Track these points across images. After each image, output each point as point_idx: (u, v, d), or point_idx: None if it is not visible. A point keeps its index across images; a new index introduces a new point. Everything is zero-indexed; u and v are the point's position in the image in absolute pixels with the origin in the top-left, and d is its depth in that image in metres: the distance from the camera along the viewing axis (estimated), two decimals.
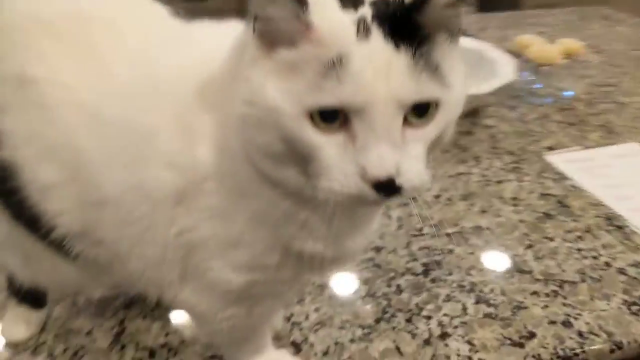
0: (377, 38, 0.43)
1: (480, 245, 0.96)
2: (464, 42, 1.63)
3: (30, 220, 0.58)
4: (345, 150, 0.44)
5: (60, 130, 0.54)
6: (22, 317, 0.79)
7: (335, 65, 0.42)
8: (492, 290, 0.86)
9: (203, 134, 0.52)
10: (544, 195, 1.10)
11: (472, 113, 1.40)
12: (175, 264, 0.57)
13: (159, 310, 0.82)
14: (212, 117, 0.52)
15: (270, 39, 0.44)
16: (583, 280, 0.88)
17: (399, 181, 0.44)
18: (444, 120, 0.47)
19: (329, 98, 0.43)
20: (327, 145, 0.44)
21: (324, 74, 0.42)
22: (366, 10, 0.44)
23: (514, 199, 1.09)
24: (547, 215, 1.04)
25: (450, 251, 0.95)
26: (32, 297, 0.79)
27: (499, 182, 1.15)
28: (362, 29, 0.43)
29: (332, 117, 0.44)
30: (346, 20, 0.44)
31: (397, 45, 0.43)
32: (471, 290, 0.86)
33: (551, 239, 0.98)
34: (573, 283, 0.88)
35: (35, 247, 0.62)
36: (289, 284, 0.61)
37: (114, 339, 0.78)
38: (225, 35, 0.52)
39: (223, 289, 0.58)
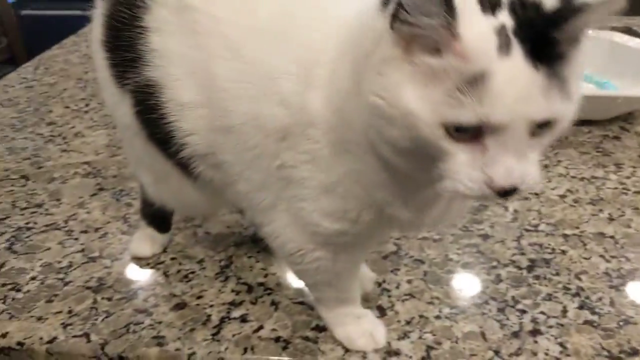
0: (518, 55, 0.44)
1: (598, 252, 0.90)
2: (631, 40, 1.48)
3: (163, 138, 0.66)
4: (474, 159, 0.46)
5: (203, 57, 0.60)
6: (149, 237, 0.90)
7: (477, 81, 0.43)
8: (600, 299, 0.81)
9: (319, 85, 0.55)
10: None
11: (625, 117, 1.30)
12: (274, 193, 0.62)
13: (264, 253, 0.89)
14: (332, 78, 0.54)
15: (411, 41, 0.45)
16: None
17: (519, 185, 0.47)
18: (561, 129, 0.49)
19: (468, 116, 0.44)
20: (458, 153, 0.46)
21: (463, 88, 0.44)
22: (505, 18, 0.45)
23: None
24: None
25: (564, 252, 0.90)
26: (159, 221, 0.90)
27: (639, 192, 1.06)
28: (504, 44, 0.44)
29: (465, 129, 0.45)
30: (488, 30, 0.44)
31: (535, 65, 0.44)
32: (576, 295, 0.82)
33: None
34: None
35: (165, 166, 0.71)
36: (373, 237, 0.65)
37: (220, 271, 0.86)
38: None
39: (311, 230, 0.62)
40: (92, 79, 1.51)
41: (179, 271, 0.86)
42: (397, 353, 0.73)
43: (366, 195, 0.57)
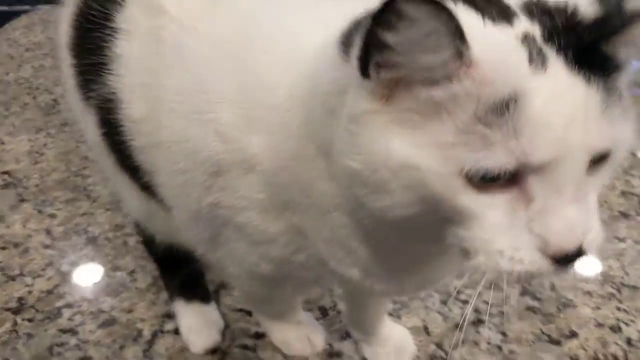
0: (558, 68, 0.33)
1: None
2: None
3: (131, 166, 0.57)
4: (514, 216, 0.34)
5: (159, 65, 0.52)
6: (201, 316, 0.74)
7: (507, 108, 0.32)
8: (541, 284, 0.81)
9: (263, 130, 0.45)
10: (625, 194, 1.00)
11: None
12: (208, 228, 0.54)
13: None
14: (281, 131, 0.45)
15: (397, 84, 0.34)
16: None
17: (584, 246, 0.34)
18: (620, 159, 0.37)
19: (500, 157, 0.32)
20: (489, 211, 0.34)
21: (487, 120, 0.32)
22: (527, 25, 0.34)
23: None
24: (624, 215, 0.95)
25: None
26: (195, 285, 0.77)
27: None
28: (537, 55, 0.33)
29: (496, 175, 0.33)
30: (512, 41, 0.33)
31: (587, 77, 0.33)
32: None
33: (622, 240, 0.90)
34: (634, 288, 0.81)
35: (140, 194, 0.61)
36: (315, 282, 0.60)
37: (153, 281, 0.81)
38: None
39: (248, 267, 0.55)
40: (13, 81, 1.41)
41: (108, 284, 0.81)
42: (338, 354, 0.71)
43: (310, 248, 0.48)
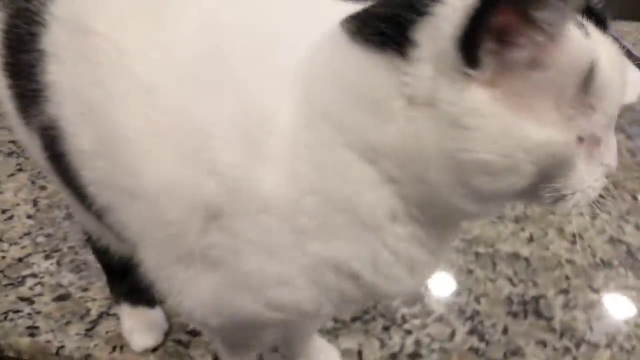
0: (595, 32, 0.40)
1: (506, 275, 0.88)
2: None
3: (79, 193, 0.53)
4: (592, 156, 0.42)
5: (104, 95, 0.47)
6: (145, 320, 0.74)
7: (590, 74, 0.37)
8: (493, 326, 0.79)
9: (273, 158, 0.42)
10: (613, 241, 0.96)
11: None
12: (192, 269, 0.48)
13: None
14: (298, 150, 0.41)
15: (505, 66, 0.36)
16: (608, 346, 0.77)
17: None
18: None
19: (601, 118, 0.39)
20: (580, 158, 0.41)
21: (586, 88, 0.38)
22: None
23: (575, 235, 0.96)
24: (605, 264, 0.91)
25: (470, 272, 0.88)
26: (141, 293, 0.72)
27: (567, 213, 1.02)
28: (579, 24, 0.39)
29: None
30: None
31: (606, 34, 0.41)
32: (470, 319, 0.80)
33: (595, 291, 0.86)
34: (595, 346, 0.77)
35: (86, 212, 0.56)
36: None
37: None
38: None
39: (233, 312, 0.49)
40: None
41: (72, 261, 0.85)
42: None
43: (342, 282, 0.44)
